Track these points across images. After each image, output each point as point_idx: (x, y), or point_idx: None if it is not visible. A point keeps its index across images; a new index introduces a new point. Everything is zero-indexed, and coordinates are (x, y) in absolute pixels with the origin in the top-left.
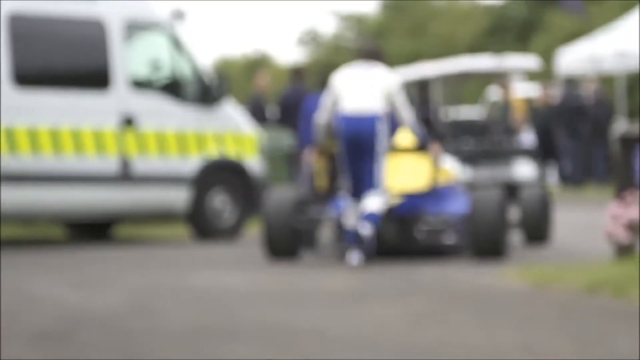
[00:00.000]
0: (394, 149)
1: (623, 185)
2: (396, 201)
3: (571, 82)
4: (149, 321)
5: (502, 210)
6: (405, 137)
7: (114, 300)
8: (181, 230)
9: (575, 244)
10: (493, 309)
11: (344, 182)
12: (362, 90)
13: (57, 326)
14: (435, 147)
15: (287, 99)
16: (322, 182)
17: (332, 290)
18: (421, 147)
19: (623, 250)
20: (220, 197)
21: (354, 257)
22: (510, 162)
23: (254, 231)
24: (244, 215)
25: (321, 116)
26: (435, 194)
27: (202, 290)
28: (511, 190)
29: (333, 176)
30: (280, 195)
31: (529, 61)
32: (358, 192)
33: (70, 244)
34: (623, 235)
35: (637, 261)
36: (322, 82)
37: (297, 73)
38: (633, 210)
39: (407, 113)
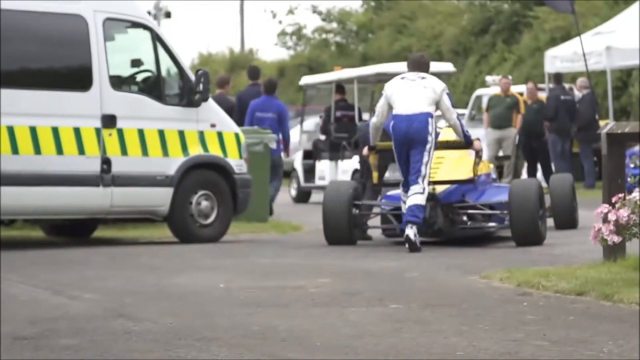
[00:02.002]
0: (440, 144)
1: (612, 184)
2: (443, 189)
3: (558, 77)
4: (127, 324)
5: (539, 199)
6: (450, 134)
7: (92, 302)
8: (164, 231)
9: (563, 245)
10: (477, 312)
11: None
12: (413, 94)
13: (34, 328)
14: (477, 143)
15: (242, 97)
16: (374, 176)
17: (313, 292)
18: (466, 143)
19: (612, 252)
20: (203, 197)
21: (411, 234)
22: None
23: (237, 231)
24: (228, 215)
25: (375, 119)
26: (477, 183)
27: (183, 292)
28: None
29: (382, 171)
30: (338, 188)
31: (444, 66)
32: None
33: (50, 244)
34: (612, 236)
35: (625, 263)
36: (269, 89)
37: (253, 72)
38: (622, 211)
39: (452, 114)
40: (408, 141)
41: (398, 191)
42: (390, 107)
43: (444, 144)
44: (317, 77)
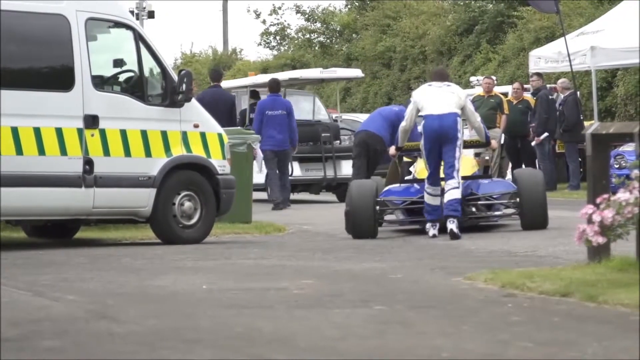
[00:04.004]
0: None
1: (596, 185)
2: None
3: (540, 76)
4: (110, 325)
5: (545, 189)
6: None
7: (74, 303)
8: (146, 232)
9: (547, 247)
10: (461, 314)
11: (429, 170)
12: (442, 98)
13: (16, 330)
14: (494, 142)
15: (202, 98)
16: (400, 172)
17: (297, 294)
18: (486, 143)
19: (596, 253)
20: (186, 198)
21: (433, 230)
22: (335, 162)
23: (220, 232)
24: (211, 216)
25: (404, 123)
26: (484, 178)
27: (166, 293)
28: (338, 185)
29: (404, 169)
30: (362, 186)
31: (354, 72)
32: (438, 178)
33: (32, 246)
34: (596, 237)
35: (610, 264)
36: (274, 88)
37: (214, 74)
38: (607, 212)
39: (476, 118)
40: (439, 137)
41: (396, 186)
42: (418, 112)
43: (465, 143)
44: (233, 82)
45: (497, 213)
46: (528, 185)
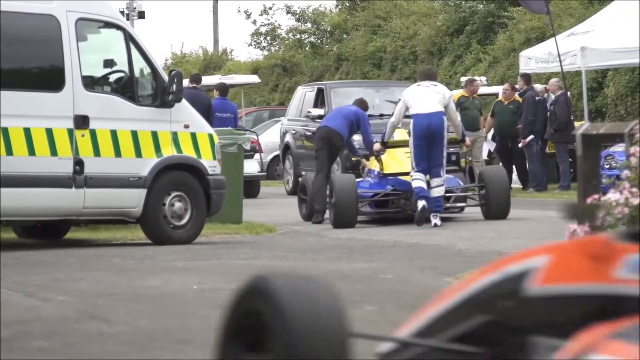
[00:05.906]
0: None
1: (587, 185)
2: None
3: (527, 78)
4: (101, 326)
5: (508, 182)
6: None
7: (65, 304)
8: (137, 233)
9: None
10: None
11: (417, 164)
12: (429, 98)
13: (6, 330)
14: (468, 140)
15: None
16: (381, 166)
17: None
18: (461, 140)
19: None
20: (176, 198)
21: (422, 203)
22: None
23: (210, 233)
24: (202, 217)
25: (393, 119)
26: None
27: (156, 294)
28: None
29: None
30: (344, 180)
31: (251, 78)
32: (427, 170)
33: (22, 246)
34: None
35: None
36: (224, 92)
37: (193, 77)
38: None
39: (457, 116)
40: (428, 135)
41: (367, 179)
42: (406, 110)
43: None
44: None
45: (460, 205)
46: (493, 181)
